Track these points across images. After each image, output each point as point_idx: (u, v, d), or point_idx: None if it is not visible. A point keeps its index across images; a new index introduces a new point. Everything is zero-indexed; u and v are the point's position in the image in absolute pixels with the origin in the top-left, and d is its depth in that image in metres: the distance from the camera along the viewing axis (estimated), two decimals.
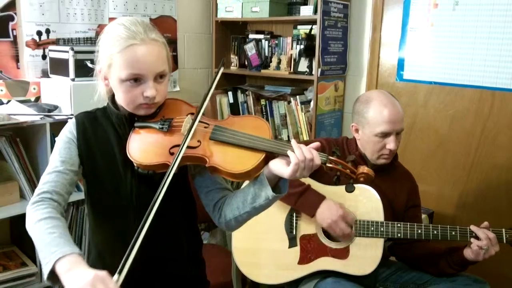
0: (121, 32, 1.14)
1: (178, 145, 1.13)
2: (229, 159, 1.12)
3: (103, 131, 1.24)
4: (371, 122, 1.73)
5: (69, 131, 1.23)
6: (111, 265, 1.26)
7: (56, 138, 1.25)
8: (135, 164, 1.16)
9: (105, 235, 1.27)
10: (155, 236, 1.22)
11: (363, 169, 1.14)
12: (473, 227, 1.64)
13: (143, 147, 1.17)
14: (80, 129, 1.23)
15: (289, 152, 1.08)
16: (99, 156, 1.22)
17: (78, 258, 0.99)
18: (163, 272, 1.29)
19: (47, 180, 1.16)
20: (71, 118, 1.30)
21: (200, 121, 1.18)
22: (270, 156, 1.12)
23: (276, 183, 1.16)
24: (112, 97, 1.25)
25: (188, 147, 1.13)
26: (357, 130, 1.80)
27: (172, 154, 1.14)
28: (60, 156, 1.19)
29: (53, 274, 0.98)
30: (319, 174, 1.52)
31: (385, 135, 1.71)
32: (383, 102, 1.73)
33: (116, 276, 0.97)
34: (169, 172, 1.07)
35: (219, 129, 1.17)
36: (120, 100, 1.20)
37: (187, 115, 1.21)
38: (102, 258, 1.28)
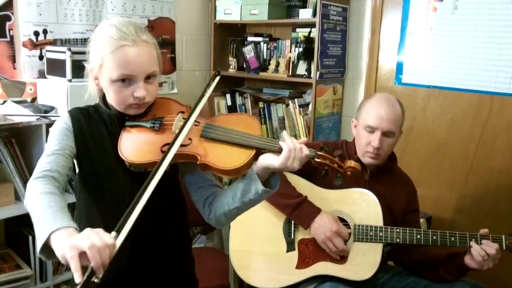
0: (112, 33, 1.15)
1: (169, 143, 1.14)
2: (220, 156, 1.14)
3: (96, 128, 1.25)
4: (363, 114, 1.76)
5: (64, 123, 1.24)
6: None
7: (50, 129, 1.25)
8: (127, 163, 1.17)
9: None
10: (144, 231, 1.21)
11: (350, 163, 1.18)
12: (474, 245, 1.60)
13: (134, 146, 1.19)
14: (75, 123, 1.23)
15: (281, 142, 1.13)
16: (94, 152, 1.23)
17: (75, 231, 0.96)
18: (151, 268, 1.29)
19: (48, 161, 1.15)
20: None
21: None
22: (260, 152, 1.15)
23: (267, 180, 1.18)
24: (103, 96, 1.26)
25: (180, 145, 1.14)
26: (355, 126, 1.82)
27: (163, 152, 1.15)
28: (58, 142, 1.19)
29: (46, 247, 0.95)
30: (309, 170, 1.51)
31: (372, 130, 1.71)
32: (382, 100, 1.75)
33: (113, 233, 0.95)
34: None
35: (209, 127, 1.19)
36: (111, 100, 1.22)
37: (177, 114, 1.23)
38: None
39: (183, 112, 1.24)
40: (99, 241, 0.90)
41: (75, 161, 1.24)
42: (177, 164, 1.25)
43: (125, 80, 1.16)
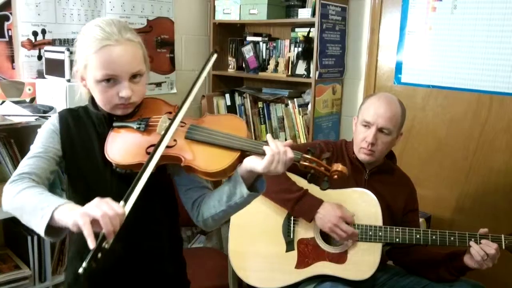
0: (96, 33, 1.15)
1: (154, 145, 1.13)
2: (204, 158, 1.13)
3: (85, 130, 1.25)
4: (363, 110, 1.78)
5: (52, 124, 1.24)
6: None
7: (38, 130, 1.26)
8: (113, 164, 1.17)
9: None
10: (135, 231, 1.22)
11: (337, 166, 1.14)
12: (474, 245, 1.60)
13: (120, 146, 1.18)
14: (63, 125, 1.24)
15: (264, 146, 1.10)
16: (81, 154, 1.23)
17: (76, 205, 1.00)
18: (142, 268, 1.29)
19: (27, 163, 1.16)
20: None
21: None
22: (245, 154, 1.13)
23: (253, 182, 1.16)
24: (91, 97, 1.26)
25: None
26: (356, 124, 1.82)
27: (148, 154, 1.14)
28: (42, 144, 1.20)
29: (50, 228, 0.99)
30: (298, 173, 1.50)
31: (368, 125, 1.73)
32: (381, 98, 1.76)
33: (122, 202, 1.00)
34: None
35: (194, 128, 1.18)
36: (98, 100, 1.21)
37: (164, 114, 1.22)
38: (80, 254, 1.28)
39: (170, 113, 1.23)
40: (110, 210, 0.95)
41: (64, 162, 1.23)
42: (165, 166, 1.22)
43: (110, 80, 1.15)
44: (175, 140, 1.15)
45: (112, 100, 1.18)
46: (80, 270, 0.90)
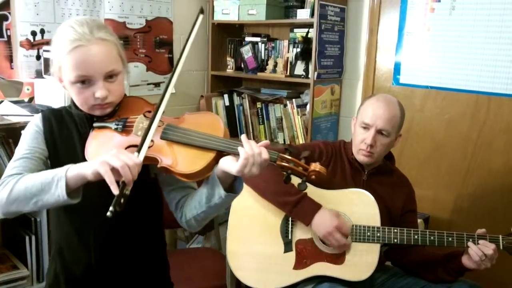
0: (68, 34, 1.14)
1: (132, 145, 1.12)
2: (179, 160, 1.11)
3: (67, 130, 1.24)
4: (362, 112, 1.77)
5: (35, 125, 1.24)
6: (70, 259, 1.27)
7: (22, 132, 1.25)
8: None
9: (65, 231, 1.27)
10: (115, 235, 1.23)
11: (315, 166, 1.10)
12: (472, 245, 1.60)
13: (99, 148, 1.17)
14: (46, 125, 1.23)
15: (239, 148, 1.07)
16: (63, 155, 1.22)
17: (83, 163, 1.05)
18: (123, 273, 1.28)
19: (14, 166, 1.15)
20: None
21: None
22: (221, 154, 1.11)
23: (232, 182, 1.15)
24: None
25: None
26: (355, 125, 1.82)
27: None
28: (28, 145, 1.19)
29: (69, 191, 1.04)
30: None
31: (367, 127, 1.72)
32: (379, 99, 1.76)
33: (136, 153, 1.06)
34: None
35: (170, 128, 1.15)
36: (75, 101, 1.21)
37: (143, 114, 1.20)
38: (61, 253, 1.29)
39: (149, 112, 1.21)
40: (130, 161, 1.00)
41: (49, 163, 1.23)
42: (147, 166, 1.20)
43: (84, 81, 1.14)
44: (152, 141, 1.13)
45: (88, 101, 1.17)
46: (108, 214, 0.95)
